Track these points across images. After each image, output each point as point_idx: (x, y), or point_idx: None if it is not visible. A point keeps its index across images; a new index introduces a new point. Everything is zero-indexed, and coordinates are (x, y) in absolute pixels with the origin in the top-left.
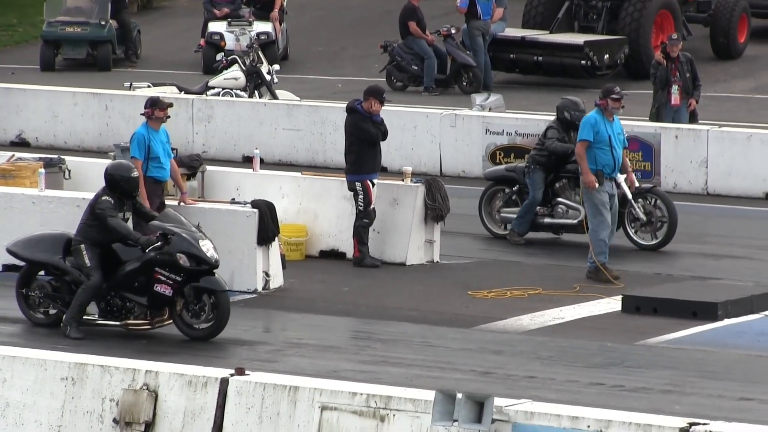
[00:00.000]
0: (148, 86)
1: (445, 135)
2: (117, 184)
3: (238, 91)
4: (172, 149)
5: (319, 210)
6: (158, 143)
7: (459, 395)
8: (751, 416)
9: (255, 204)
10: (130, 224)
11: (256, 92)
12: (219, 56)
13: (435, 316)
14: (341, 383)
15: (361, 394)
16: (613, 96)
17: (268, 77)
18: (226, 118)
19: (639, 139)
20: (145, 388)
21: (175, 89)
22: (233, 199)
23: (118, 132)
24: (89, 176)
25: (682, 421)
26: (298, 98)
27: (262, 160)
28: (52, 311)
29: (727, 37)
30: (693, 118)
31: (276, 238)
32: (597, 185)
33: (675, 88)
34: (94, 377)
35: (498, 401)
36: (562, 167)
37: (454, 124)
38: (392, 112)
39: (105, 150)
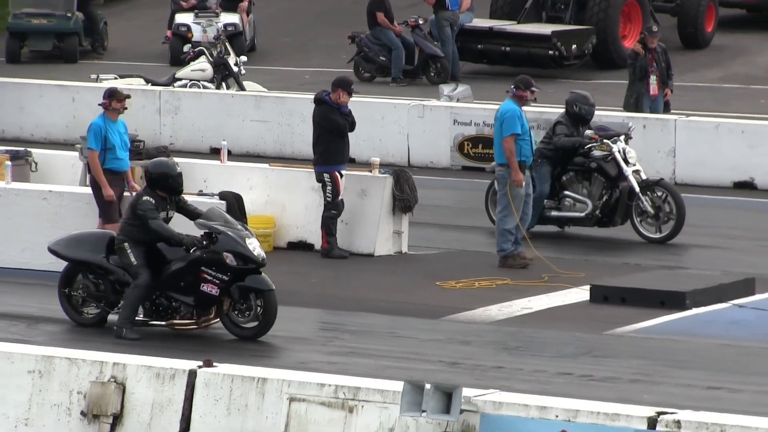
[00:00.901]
0: (115, 78)
1: (413, 126)
2: (158, 182)
3: (206, 83)
4: (140, 141)
5: (287, 201)
6: (115, 134)
7: (427, 386)
8: (720, 405)
9: (222, 196)
10: (173, 225)
11: (223, 84)
12: (186, 48)
13: (403, 307)
14: (309, 374)
15: (330, 385)
16: (533, 88)
17: (235, 68)
18: (194, 109)
19: (607, 130)
20: (112, 380)
21: (142, 81)
22: (201, 191)
23: (84, 124)
24: (56, 169)
25: (651, 411)
26: (266, 89)
27: (229, 152)
28: (94, 311)
29: (695, 27)
30: (666, 108)
31: None
32: (524, 183)
33: (653, 79)
34: (61, 370)
35: (466, 391)
36: (570, 160)
37: (422, 114)
38: (360, 103)
39: (72, 142)
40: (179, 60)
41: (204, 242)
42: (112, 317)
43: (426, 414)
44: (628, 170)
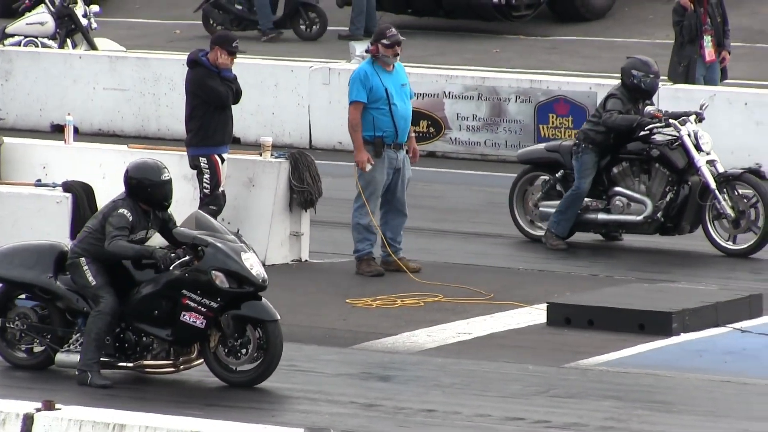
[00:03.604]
0: None
1: (315, 96)
2: (141, 191)
3: (45, 40)
4: None
5: None
6: None
7: None
8: None
9: (67, 186)
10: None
11: (68, 41)
12: None
13: (303, 332)
14: (182, 420)
15: None
16: (384, 41)
17: (84, 21)
18: (30, 74)
19: (569, 100)
20: None
21: None
22: (39, 180)
23: None
24: None
25: None
26: (124, 48)
27: (76, 130)
28: (37, 348)
29: None
30: (723, 75)
31: None
32: (370, 165)
33: (707, 40)
34: None
35: None
36: (623, 147)
37: (327, 81)
38: (246, 66)
39: None
40: (11, 11)
41: (186, 257)
42: (61, 357)
43: None
44: (700, 160)
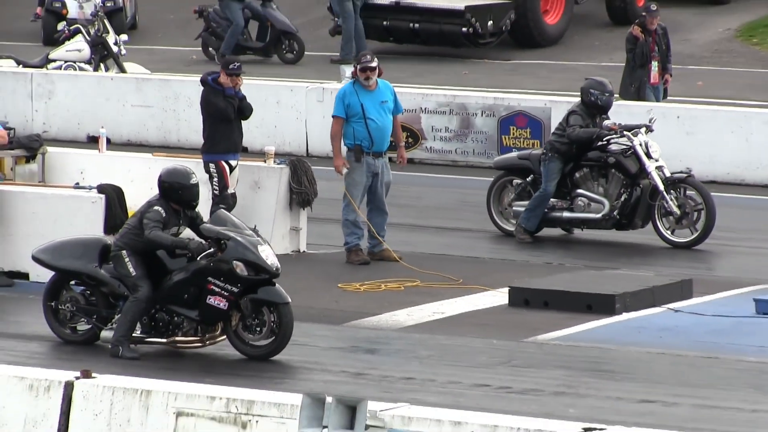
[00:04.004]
0: None
1: (311, 111)
2: (169, 193)
3: (82, 64)
4: (10, 128)
5: None
6: None
7: (329, 399)
8: (653, 420)
9: (101, 189)
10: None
11: (101, 65)
12: (60, 26)
13: (301, 312)
14: (198, 386)
15: (221, 398)
16: (359, 66)
17: (115, 48)
18: (69, 93)
19: (527, 114)
20: None
21: (12, 62)
22: (77, 183)
23: None
24: None
25: (577, 426)
26: (149, 71)
27: (108, 140)
28: (84, 327)
29: (624, 1)
30: (664, 95)
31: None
32: (345, 169)
33: (655, 65)
34: None
35: (372, 405)
36: (584, 155)
37: (321, 98)
38: (253, 86)
39: None
40: (53, 39)
41: (211, 249)
42: (105, 334)
43: (327, 430)
44: (650, 165)
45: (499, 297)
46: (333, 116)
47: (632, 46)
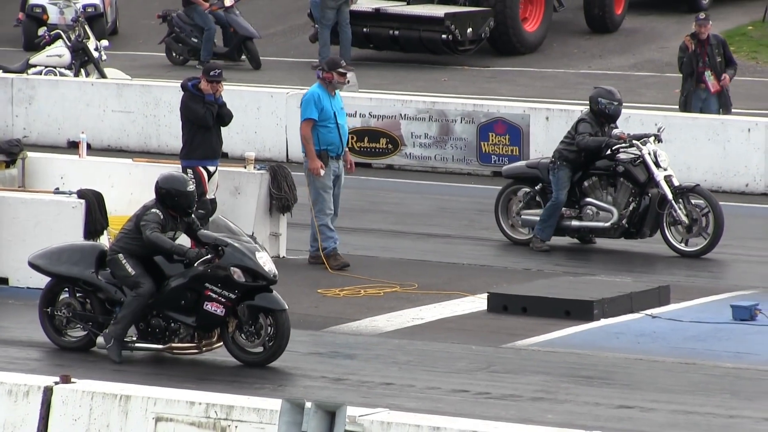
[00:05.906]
0: None
1: (291, 117)
2: (165, 199)
3: (63, 70)
4: None
5: None
6: None
7: (308, 404)
8: (631, 425)
9: (82, 194)
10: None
11: (82, 70)
12: (41, 31)
13: None
14: (177, 392)
15: (200, 403)
16: (340, 70)
17: (95, 54)
18: (50, 99)
19: (506, 121)
20: None
21: None
22: (57, 188)
23: None
24: None
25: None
26: (129, 77)
27: (89, 146)
28: (80, 333)
29: (603, 9)
30: (725, 106)
31: (105, 232)
32: (323, 171)
33: (708, 74)
34: None
35: (351, 410)
36: (592, 163)
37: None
38: (233, 92)
39: None
40: (33, 44)
41: (209, 256)
42: (101, 340)
43: None
44: (659, 175)
45: (478, 303)
46: (306, 119)
47: (681, 54)
